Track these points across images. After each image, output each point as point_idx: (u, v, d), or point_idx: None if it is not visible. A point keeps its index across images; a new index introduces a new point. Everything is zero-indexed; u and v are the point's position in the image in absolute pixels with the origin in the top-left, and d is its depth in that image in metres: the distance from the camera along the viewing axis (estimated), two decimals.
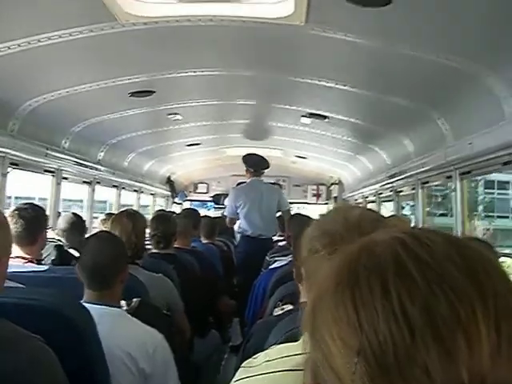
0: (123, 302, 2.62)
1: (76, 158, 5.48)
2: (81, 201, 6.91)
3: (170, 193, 10.08)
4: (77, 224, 4.43)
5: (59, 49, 3.35)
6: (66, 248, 4.04)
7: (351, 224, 1.31)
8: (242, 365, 1.37)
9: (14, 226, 3.07)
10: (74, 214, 4.64)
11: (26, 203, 3.36)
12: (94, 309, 2.21)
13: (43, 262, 3.55)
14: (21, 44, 3.17)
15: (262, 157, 7.07)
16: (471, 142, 3.81)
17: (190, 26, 3.28)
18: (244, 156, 7.09)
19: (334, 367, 0.57)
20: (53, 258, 3.72)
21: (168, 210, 8.86)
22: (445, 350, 0.53)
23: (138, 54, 3.87)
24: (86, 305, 2.25)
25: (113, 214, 4.79)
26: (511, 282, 0.59)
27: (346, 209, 1.50)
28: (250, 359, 1.38)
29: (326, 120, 5.63)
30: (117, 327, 2.30)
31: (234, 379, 1.36)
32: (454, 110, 4.07)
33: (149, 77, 4.29)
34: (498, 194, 25.19)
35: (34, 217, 3.22)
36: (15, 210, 3.23)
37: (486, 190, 24.24)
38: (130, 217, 3.54)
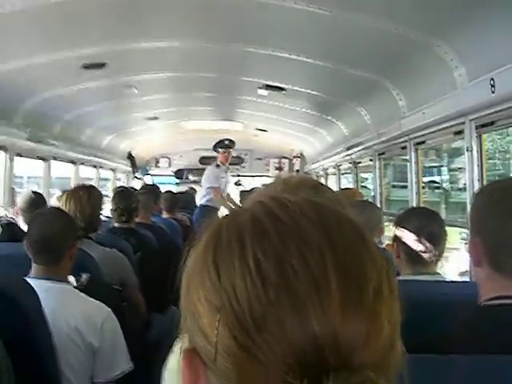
0: (72, 278, 2.59)
1: (29, 133, 5.35)
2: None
3: (130, 168, 9.97)
4: (36, 201, 4.33)
5: (4, 19, 3.24)
6: (20, 226, 3.96)
7: (290, 187, 1.32)
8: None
9: None
10: (33, 192, 4.54)
11: None
12: (40, 284, 2.20)
13: None
14: None
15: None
16: (424, 111, 3.83)
17: None
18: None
19: (201, 327, 0.58)
20: (2, 235, 3.64)
21: (128, 185, 8.76)
22: (297, 305, 0.53)
23: (89, 24, 3.77)
24: (32, 280, 2.23)
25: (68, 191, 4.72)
26: (364, 238, 0.61)
27: (286, 177, 1.50)
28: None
29: (284, 92, 5.60)
30: (63, 302, 2.28)
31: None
32: (407, 81, 4.09)
33: (100, 48, 4.19)
34: None
35: None
36: None
37: None
38: (86, 189, 3.52)
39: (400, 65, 3.93)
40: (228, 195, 8.80)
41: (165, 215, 6.48)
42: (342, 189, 5.99)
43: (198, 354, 0.59)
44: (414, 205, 4.39)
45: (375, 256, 0.59)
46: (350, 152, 6.26)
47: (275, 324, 0.53)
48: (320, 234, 0.57)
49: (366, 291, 0.55)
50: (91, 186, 3.78)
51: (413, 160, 4.39)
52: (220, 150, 8.45)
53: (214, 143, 8.49)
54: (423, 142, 4.24)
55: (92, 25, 3.81)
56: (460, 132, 3.48)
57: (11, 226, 3.85)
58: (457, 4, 2.81)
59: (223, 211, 8.52)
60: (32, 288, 2.09)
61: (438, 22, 3.11)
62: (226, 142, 8.45)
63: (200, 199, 8.40)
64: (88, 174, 8.09)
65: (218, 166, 8.48)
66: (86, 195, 3.41)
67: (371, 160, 5.69)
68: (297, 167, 10.41)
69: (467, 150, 3.33)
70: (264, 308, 0.53)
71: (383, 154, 5.34)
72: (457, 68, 3.24)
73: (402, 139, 4.50)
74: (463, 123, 3.37)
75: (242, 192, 8.21)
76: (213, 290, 0.57)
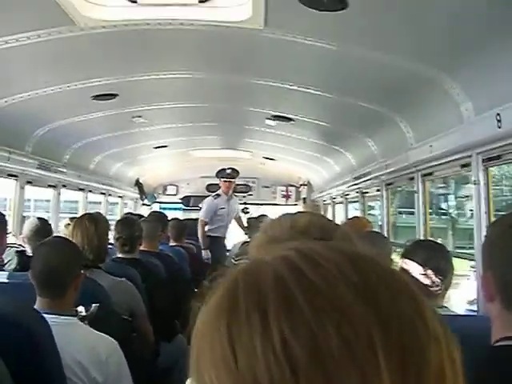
0: (81, 308, 2.59)
1: (39, 161, 5.42)
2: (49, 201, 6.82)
3: (138, 195, 10.02)
4: (41, 229, 4.35)
5: (18, 52, 3.30)
6: (29, 254, 3.98)
7: (297, 231, 1.27)
8: None
9: None
10: (39, 218, 4.57)
11: None
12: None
13: (4, 268, 3.51)
14: None
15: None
16: (432, 144, 3.86)
17: (150, 29, 3.27)
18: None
19: None
20: (14, 264, 3.66)
21: (136, 212, 8.79)
22: None
23: (99, 57, 3.85)
24: None
25: (76, 217, 4.75)
26: (423, 311, 0.50)
27: (293, 215, 1.48)
28: None
29: (291, 122, 5.66)
30: (67, 336, 2.24)
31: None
32: (415, 113, 4.13)
33: (111, 80, 4.26)
34: None
35: None
36: None
37: None
38: (92, 220, 3.52)
39: (407, 98, 3.97)
40: (239, 220, 8.81)
41: (172, 243, 6.50)
42: (350, 218, 5.99)
43: None
44: (422, 234, 4.40)
45: (437, 335, 0.49)
46: (357, 182, 6.28)
47: None
48: (365, 307, 0.47)
49: (426, 380, 0.46)
50: (98, 216, 3.78)
51: (420, 191, 4.42)
52: (222, 179, 8.43)
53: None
54: (430, 174, 4.27)
55: (102, 57, 3.88)
56: (467, 165, 3.51)
57: (21, 254, 3.87)
58: (464, 39, 2.86)
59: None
60: (45, 321, 2.10)
61: (444, 56, 3.16)
62: (228, 171, 8.32)
63: None
64: (96, 198, 8.13)
65: (217, 196, 8.46)
66: (93, 226, 3.42)
67: (378, 190, 5.71)
68: (303, 195, 10.43)
69: (474, 183, 3.36)
70: None
71: (390, 184, 5.37)
72: (463, 102, 3.28)
73: (409, 170, 4.53)
74: (470, 156, 3.40)
75: (249, 219, 8.23)
76: (227, 374, 0.47)
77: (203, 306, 0.55)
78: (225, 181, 8.36)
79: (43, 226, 4.34)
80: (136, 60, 4.04)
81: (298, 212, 1.54)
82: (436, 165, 4.03)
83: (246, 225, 8.23)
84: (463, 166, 3.60)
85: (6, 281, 2.97)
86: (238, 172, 8.45)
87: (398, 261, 2.93)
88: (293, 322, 0.46)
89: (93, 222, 3.45)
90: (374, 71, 3.66)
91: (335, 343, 0.45)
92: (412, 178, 4.57)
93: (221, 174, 8.38)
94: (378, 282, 0.50)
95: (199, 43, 3.71)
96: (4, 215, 3.50)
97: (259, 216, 5.95)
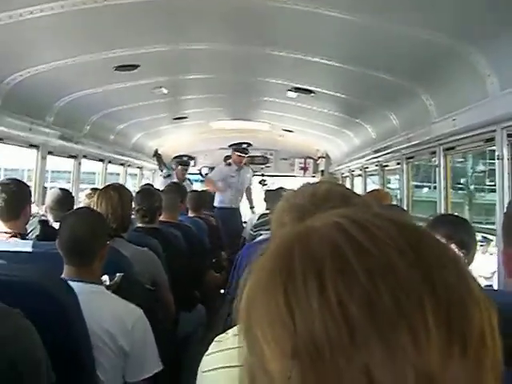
0: (106, 277, 2.62)
1: (61, 132, 5.45)
2: (69, 172, 6.87)
3: (157, 166, 10.04)
4: (64, 199, 4.41)
5: (42, 22, 3.31)
6: (52, 223, 4.04)
7: (319, 198, 1.30)
8: (215, 339, 1.39)
9: None
10: (61, 189, 4.62)
11: (9, 178, 3.35)
12: (72, 285, 2.20)
13: (28, 237, 3.56)
14: (2, 18, 3.14)
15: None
16: (455, 118, 3.83)
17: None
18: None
19: (269, 371, 0.52)
20: (37, 233, 3.72)
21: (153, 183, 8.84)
22: (388, 349, 0.48)
23: (123, 27, 3.85)
24: None
25: (97, 188, 4.78)
26: (467, 278, 0.54)
27: (315, 184, 1.51)
28: (222, 334, 1.40)
29: (312, 94, 5.63)
30: (95, 304, 2.27)
31: (206, 353, 1.38)
32: (438, 87, 4.08)
33: (133, 51, 4.26)
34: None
35: (16, 191, 3.20)
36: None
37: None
38: (116, 189, 3.55)
39: (431, 71, 3.93)
40: (248, 191, 8.95)
41: (190, 214, 6.54)
42: (370, 191, 5.97)
43: None
44: (443, 209, 4.39)
45: (478, 301, 0.52)
46: (377, 155, 6.26)
47: (360, 369, 0.48)
48: (415, 271, 0.51)
49: (469, 340, 0.49)
50: (121, 186, 3.82)
51: (442, 165, 4.39)
52: (236, 152, 8.63)
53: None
54: (453, 148, 4.24)
55: (125, 28, 3.87)
56: (491, 139, 3.49)
57: (44, 223, 3.93)
58: (492, 13, 2.81)
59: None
60: (71, 287, 2.14)
61: (471, 29, 3.12)
62: (243, 146, 8.58)
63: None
64: (113, 170, 8.16)
65: (228, 164, 8.60)
66: (117, 195, 3.45)
67: (398, 163, 5.69)
68: (322, 168, 10.41)
69: (498, 158, 3.34)
70: (348, 352, 0.48)
71: (411, 158, 5.35)
72: (489, 76, 3.24)
73: (431, 144, 4.51)
74: (494, 131, 3.37)
75: (267, 191, 8.25)
76: (284, 332, 0.50)
77: (252, 270, 0.58)
78: (238, 155, 8.50)
79: (66, 196, 4.40)
80: (159, 31, 4.02)
81: (319, 181, 1.56)
82: (459, 139, 4.00)
83: (264, 196, 8.27)
84: (487, 140, 3.58)
85: (31, 250, 3.01)
86: (251, 145, 8.79)
87: None
88: (348, 285, 0.50)
89: (117, 192, 3.48)
90: (398, 43, 3.63)
91: (388, 303, 0.49)
92: (434, 152, 4.54)
93: (234, 146, 8.55)
94: (426, 249, 0.54)
95: (223, 14, 3.69)
96: (28, 185, 3.54)
97: (278, 188, 5.94)
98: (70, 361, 2.01)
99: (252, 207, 9.41)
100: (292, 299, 0.51)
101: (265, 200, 7.23)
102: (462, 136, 3.91)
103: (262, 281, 0.56)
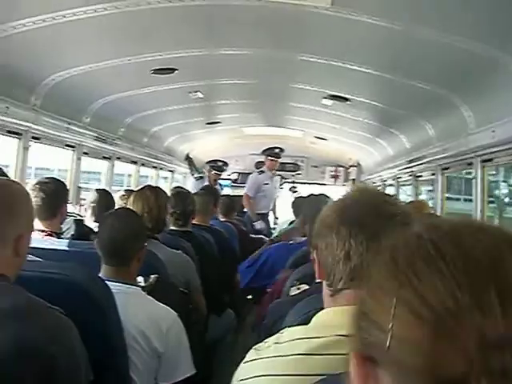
0: (140, 278, 2.64)
1: (96, 133, 5.51)
2: (99, 173, 6.95)
3: (188, 170, 10.09)
4: (105, 200, 4.45)
5: (84, 24, 3.35)
6: (86, 223, 4.07)
7: (379, 212, 1.30)
8: (254, 347, 1.37)
9: (34, 200, 3.10)
10: (103, 190, 4.68)
11: (47, 177, 3.39)
12: (109, 285, 2.21)
13: (63, 236, 3.59)
14: (46, 19, 3.18)
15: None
16: (494, 129, 3.77)
17: (216, 5, 3.28)
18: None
19: (376, 320, 0.62)
20: (72, 232, 3.75)
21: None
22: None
23: (162, 31, 3.88)
24: None
25: (132, 190, 4.81)
26: None
27: (367, 192, 1.49)
28: (261, 343, 1.37)
29: (348, 102, 5.61)
30: (131, 305, 2.28)
31: (244, 360, 1.36)
32: (477, 97, 4.03)
33: (171, 54, 4.29)
34: None
35: (54, 190, 3.24)
36: (36, 183, 3.25)
37: None
38: (153, 191, 3.57)
39: (470, 80, 3.88)
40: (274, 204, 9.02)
41: (221, 218, 6.54)
42: (411, 201, 5.94)
43: (368, 356, 0.63)
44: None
45: None
46: (411, 165, 6.20)
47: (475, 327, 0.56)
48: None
49: None
50: (158, 188, 3.83)
51: (479, 177, 4.33)
52: (269, 157, 8.64)
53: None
54: (491, 160, 4.18)
55: (163, 32, 3.90)
56: None
57: (79, 222, 3.97)
58: None
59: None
60: (108, 286, 2.15)
61: (511, 38, 3.07)
62: (276, 151, 8.64)
63: None
64: (142, 172, 8.19)
65: (261, 172, 8.66)
66: (154, 196, 3.47)
67: (433, 174, 5.63)
68: (353, 176, 10.35)
69: None
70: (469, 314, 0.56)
71: (447, 168, 5.28)
72: None
73: (468, 156, 4.45)
74: None
75: (296, 199, 8.19)
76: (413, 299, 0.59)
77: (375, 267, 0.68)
78: (271, 159, 8.57)
79: (107, 197, 4.44)
80: (196, 35, 4.04)
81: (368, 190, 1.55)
82: (497, 151, 3.94)
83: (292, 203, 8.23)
84: None
85: (67, 249, 3.04)
86: (283, 151, 8.78)
87: None
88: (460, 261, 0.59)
89: (153, 193, 3.50)
90: (437, 52, 3.59)
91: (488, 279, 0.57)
92: (470, 164, 4.48)
93: (268, 151, 8.63)
94: (499, 258, 0.61)
95: (262, 20, 3.69)
96: (65, 185, 3.58)
97: (309, 195, 5.89)
98: (105, 359, 2.01)
99: (276, 218, 9.45)
100: (417, 269, 0.61)
101: (292, 207, 7.19)
102: (500, 148, 3.85)
103: (385, 276, 0.65)
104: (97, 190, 4.53)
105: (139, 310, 2.33)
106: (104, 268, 2.45)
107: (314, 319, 1.36)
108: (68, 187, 5.16)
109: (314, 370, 1.21)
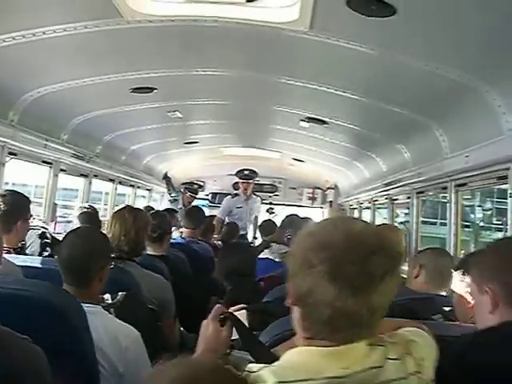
0: (107, 296, 2.58)
1: (74, 150, 5.49)
2: (76, 190, 6.89)
3: (166, 189, 10.06)
4: (91, 217, 4.41)
5: (63, 42, 3.36)
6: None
7: (354, 239, 1.27)
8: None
9: None
10: (90, 206, 4.64)
11: (7, 190, 3.31)
12: None
13: (28, 251, 3.53)
14: (25, 35, 3.19)
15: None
16: (468, 154, 3.83)
17: (195, 25, 3.30)
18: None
19: None
20: (36, 247, 3.70)
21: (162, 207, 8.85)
22: None
23: (142, 50, 3.89)
24: None
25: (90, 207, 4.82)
26: None
27: (345, 221, 1.47)
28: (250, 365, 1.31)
29: (325, 125, 5.65)
30: (91, 324, 2.18)
31: None
32: (452, 122, 4.09)
33: (150, 74, 4.30)
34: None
35: (11, 204, 3.14)
36: None
37: None
38: (132, 212, 3.51)
39: (445, 106, 3.94)
40: (255, 222, 9.00)
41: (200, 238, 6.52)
42: (379, 225, 5.95)
43: None
44: (452, 245, 4.38)
45: None
46: (387, 188, 6.25)
47: None
48: None
49: None
50: (138, 209, 3.75)
51: (453, 201, 4.38)
52: (240, 179, 8.77)
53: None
54: (464, 184, 4.23)
55: (145, 50, 3.92)
56: (503, 177, 3.48)
57: (42, 235, 3.90)
58: (509, 52, 2.83)
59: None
60: (80, 304, 2.12)
61: (487, 67, 3.13)
62: (246, 172, 8.72)
63: None
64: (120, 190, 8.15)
65: (235, 195, 8.85)
66: (132, 218, 3.40)
67: (408, 197, 5.68)
68: (330, 198, 10.40)
69: (510, 196, 3.33)
70: None
71: (422, 192, 5.34)
72: (504, 114, 3.25)
73: (442, 180, 4.50)
74: (508, 169, 3.37)
75: (262, 223, 7.97)
76: None
77: None
78: (243, 182, 8.68)
79: (90, 214, 4.39)
80: (177, 55, 4.07)
81: (349, 218, 1.55)
82: (471, 176, 4.00)
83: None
84: (499, 178, 3.57)
85: (40, 266, 2.99)
86: (256, 173, 8.81)
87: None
88: None
89: (132, 214, 3.44)
90: (415, 78, 3.65)
91: None
92: (445, 188, 4.53)
93: (239, 174, 8.78)
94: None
95: (242, 42, 3.73)
96: (27, 198, 3.42)
97: (289, 216, 5.90)
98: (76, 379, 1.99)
99: (255, 237, 9.43)
100: None
101: (260, 231, 7.18)
102: (474, 173, 3.90)
103: None
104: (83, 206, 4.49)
105: (99, 329, 2.25)
106: (65, 287, 2.38)
107: (287, 358, 1.32)
108: (44, 203, 5.18)
109: None
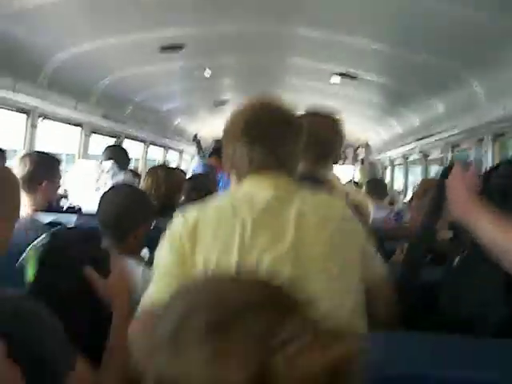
0: (145, 250, 2.57)
1: (104, 111, 5.49)
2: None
3: (195, 150, 10.04)
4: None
5: (81, 2, 3.32)
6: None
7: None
8: None
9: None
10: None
11: (36, 151, 3.25)
12: None
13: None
14: None
15: None
16: (505, 104, 3.72)
17: None
18: None
19: None
20: None
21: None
22: None
23: (167, 7, 3.81)
24: None
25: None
26: None
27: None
28: None
29: (356, 80, 5.54)
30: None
31: None
32: (488, 72, 3.97)
33: (179, 31, 4.24)
34: None
35: (35, 164, 2.93)
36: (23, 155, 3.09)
37: None
38: (165, 169, 3.51)
39: (481, 55, 3.82)
40: None
41: None
42: (425, 179, 5.85)
43: None
44: None
45: None
46: (420, 143, 6.14)
47: None
48: None
49: None
50: (174, 168, 3.73)
51: (489, 152, 4.28)
52: None
53: None
54: (502, 135, 4.12)
55: (171, 8, 3.84)
56: None
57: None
58: None
59: None
60: None
61: None
62: None
63: None
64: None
65: None
66: (164, 174, 3.38)
67: (442, 152, 5.57)
68: (361, 156, 10.30)
69: None
70: None
71: (457, 145, 5.23)
72: None
73: (478, 131, 4.39)
74: None
75: None
76: None
77: None
78: None
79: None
80: (206, 12, 3.98)
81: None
82: (508, 125, 3.89)
83: None
84: None
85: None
86: None
87: None
88: None
89: (164, 171, 3.43)
90: (449, 26, 3.53)
91: None
92: (481, 140, 4.42)
93: None
94: None
95: None
96: (57, 159, 3.17)
97: None
98: None
99: None
100: None
101: None
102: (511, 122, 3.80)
103: None
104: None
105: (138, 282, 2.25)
106: (103, 241, 2.38)
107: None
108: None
109: None
